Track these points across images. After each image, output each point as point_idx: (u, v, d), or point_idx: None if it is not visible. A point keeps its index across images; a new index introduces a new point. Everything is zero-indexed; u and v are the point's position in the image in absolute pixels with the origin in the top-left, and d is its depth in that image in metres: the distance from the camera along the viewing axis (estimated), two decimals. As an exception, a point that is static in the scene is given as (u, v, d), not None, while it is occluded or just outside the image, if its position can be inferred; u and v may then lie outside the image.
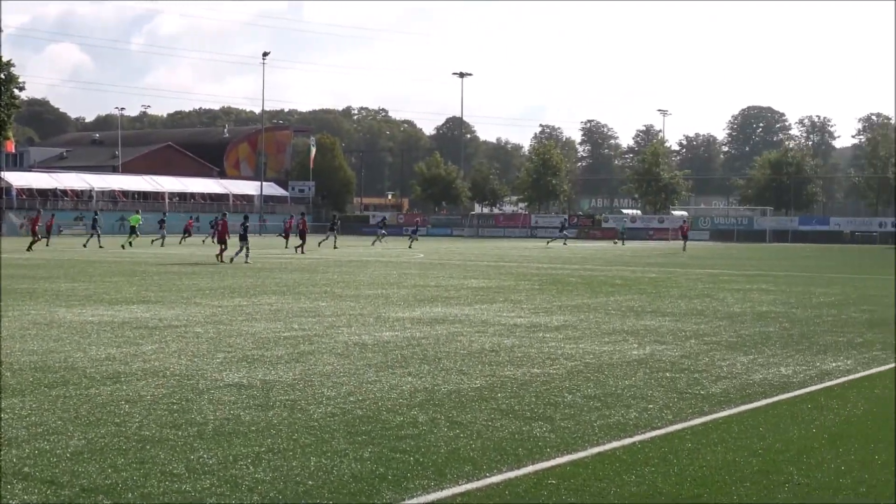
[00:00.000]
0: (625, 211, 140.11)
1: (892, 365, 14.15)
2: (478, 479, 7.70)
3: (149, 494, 7.21)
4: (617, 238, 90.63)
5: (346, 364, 13.29)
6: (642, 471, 8.06)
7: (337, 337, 16.21)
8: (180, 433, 9.07)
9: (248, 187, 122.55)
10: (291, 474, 7.76)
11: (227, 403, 10.45)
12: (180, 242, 66.41)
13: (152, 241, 62.06)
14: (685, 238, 72.53)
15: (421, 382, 11.93)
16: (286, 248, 57.65)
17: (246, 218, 43.78)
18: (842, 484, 7.80)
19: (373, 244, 69.98)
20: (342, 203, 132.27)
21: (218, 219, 49.10)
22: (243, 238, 41.04)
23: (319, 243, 63.49)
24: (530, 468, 8.07)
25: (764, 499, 7.39)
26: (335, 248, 60.61)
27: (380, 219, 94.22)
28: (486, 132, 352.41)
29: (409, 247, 66.11)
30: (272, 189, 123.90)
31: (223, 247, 41.76)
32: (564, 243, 78.70)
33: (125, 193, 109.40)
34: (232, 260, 39.98)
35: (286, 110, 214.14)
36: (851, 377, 13.01)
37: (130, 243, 58.18)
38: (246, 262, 39.38)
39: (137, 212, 65.59)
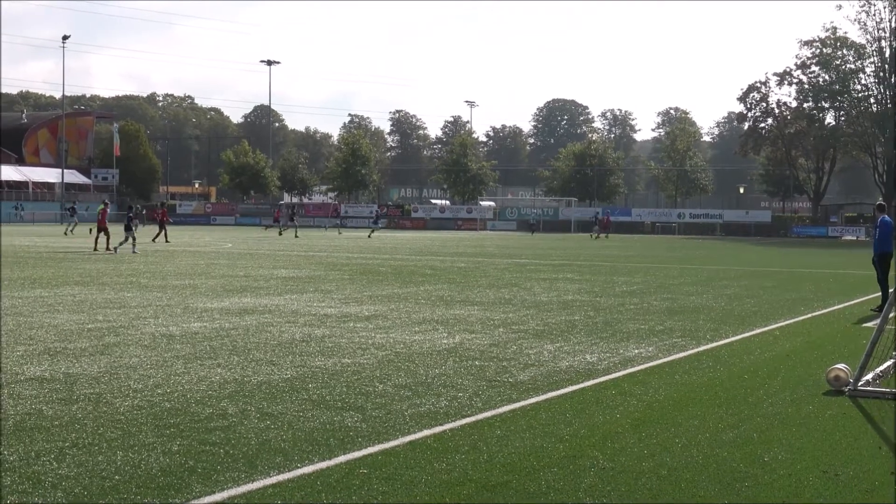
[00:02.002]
0: (433, 201, 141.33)
1: (691, 351, 14.68)
2: (289, 470, 7.67)
3: (-55, 494, 6.95)
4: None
5: (153, 356, 13.03)
6: (453, 458, 8.15)
7: (143, 328, 15.88)
8: (-22, 430, 8.76)
9: (49, 175, 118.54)
10: (97, 469, 7.58)
11: (28, 398, 10.13)
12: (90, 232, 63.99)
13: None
14: (607, 228, 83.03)
15: (230, 374, 11.79)
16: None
17: (130, 208, 44.28)
18: (644, 467, 8.04)
19: (339, 233, 77.16)
20: (148, 191, 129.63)
21: (100, 207, 48.43)
22: (128, 228, 40.69)
23: (280, 231, 67.87)
24: (342, 458, 8.07)
25: (570, 484, 7.57)
26: (296, 237, 65.07)
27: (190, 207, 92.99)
28: (295, 121, 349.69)
29: (369, 236, 67.80)
30: (74, 177, 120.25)
31: (101, 235, 41.50)
32: (370, 235, 77.90)
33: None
34: (115, 250, 39.62)
35: (88, 96, 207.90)
36: (653, 363, 13.43)
37: (72, 230, 59.11)
38: (116, 251, 39.19)
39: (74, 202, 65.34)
